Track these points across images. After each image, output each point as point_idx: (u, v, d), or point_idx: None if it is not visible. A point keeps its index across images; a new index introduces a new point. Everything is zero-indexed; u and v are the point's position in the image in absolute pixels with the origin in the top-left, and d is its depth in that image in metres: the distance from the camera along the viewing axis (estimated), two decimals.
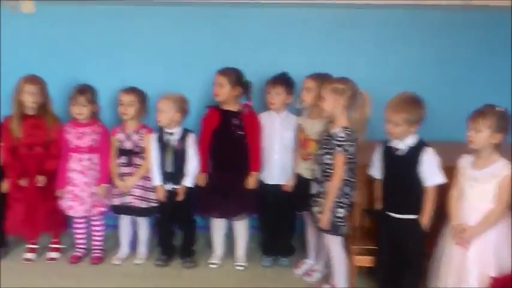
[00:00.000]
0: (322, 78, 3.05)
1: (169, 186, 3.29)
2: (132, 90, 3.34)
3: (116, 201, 3.38)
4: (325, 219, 2.81)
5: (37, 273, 3.32)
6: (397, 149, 2.70)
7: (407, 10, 3.55)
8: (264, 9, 3.59)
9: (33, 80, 3.32)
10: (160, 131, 3.30)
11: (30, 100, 3.28)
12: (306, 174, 3.10)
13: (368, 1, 3.51)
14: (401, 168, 2.69)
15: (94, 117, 3.39)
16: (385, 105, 2.67)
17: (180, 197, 3.26)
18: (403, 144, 2.68)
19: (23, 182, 3.30)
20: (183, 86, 3.49)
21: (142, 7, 3.62)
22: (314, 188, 2.94)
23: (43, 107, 3.36)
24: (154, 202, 3.36)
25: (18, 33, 3.65)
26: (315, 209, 2.91)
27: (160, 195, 3.29)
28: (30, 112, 3.33)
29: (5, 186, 3.36)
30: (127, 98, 3.30)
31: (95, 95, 3.38)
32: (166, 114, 3.21)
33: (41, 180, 3.30)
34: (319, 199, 2.88)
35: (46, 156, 3.34)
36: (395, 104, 2.65)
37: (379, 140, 2.83)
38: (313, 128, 3.06)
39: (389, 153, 2.74)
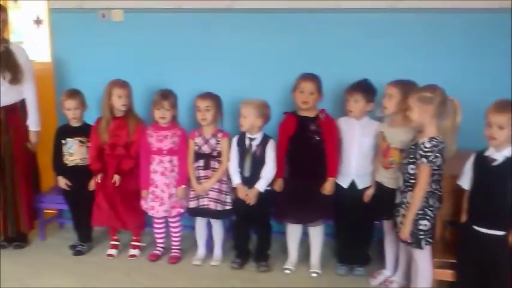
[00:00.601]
0: (404, 85, 2.97)
1: (246, 190, 3.30)
2: (208, 95, 3.39)
3: (192, 204, 3.43)
4: (406, 231, 2.72)
5: (118, 268, 3.44)
6: (492, 159, 2.54)
7: (494, 14, 3.37)
8: (344, 14, 3.53)
9: (122, 84, 3.46)
10: (241, 135, 3.33)
11: (120, 103, 3.42)
12: (387, 183, 3.02)
13: (453, 3, 3.37)
14: (495, 180, 2.53)
15: (173, 121, 3.47)
16: (487, 109, 2.51)
17: (251, 200, 3.27)
18: (500, 154, 2.52)
19: (116, 179, 3.44)
20: (261, 91, 3.50)
21: (221, 14, 3.67)
22: (397, 198, 2.86)
23: (129, 110, 3.50)
24: (228, 205, 3.39)
25: (107, 40, 3.82)
26: (398, 219, 2.82)
27: (242, 194, 3.29)
28: (118, 114, 3.47)
29: (92, 184, 3.53)
30: (203, 104, 3.35)
31: (176, 100, 3.46)
32: (248, 119, 3.23)
33: (117, 179, 3.43)
34: (401, 209, 2.80)
35: (126, 157, 3.47)
36: (501, 105, 2.49)
37: (468, 149, 2.69)
38: (396, 136, 2.97)
39: (483, 164, 2.58)
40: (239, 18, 3.66)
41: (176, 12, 3.70)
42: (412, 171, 2.72)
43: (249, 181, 3.28)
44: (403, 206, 2.78)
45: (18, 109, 3.53)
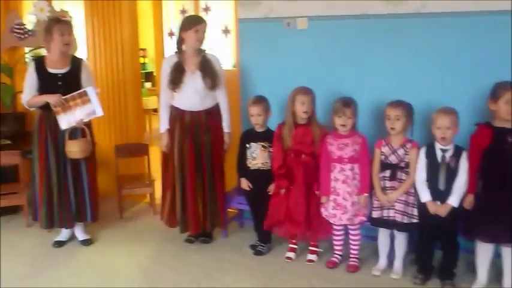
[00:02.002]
0: None
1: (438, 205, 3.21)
2: (399, 103, 3.36)
3: (376, 214, 3.43)
4: None
5: (297, 272, 3.57)
6: None
7: None
8: None
9: (305, 90, 3.58)
10: (430, 146, 3.26)
11: (301, 110, 3.55)
12: None
13: None
14: None
15: (353, 129, 3.51)
16: None
17: (442, 214, 3.18)
18: None
19: (295, 187, 3.58)
20: (447, 99, 3.40)
21: (408, 19, 3.62)
22: None
23: (311, 117, 3.61)
24: (415, 218, 3.33)
25: (291, 47, 3.99)
26: None
27: (433, 210, 3.21)
28: (301, 121, 3.60)
29: (272, 188, 3.71)
30: (394, 112, 3.33)
31: (357, 107, 3.49)
32: (451, 130, 3.15)
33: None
34: None
35: (312, 165, 3.57)
36: None
37: None
38: None
39: None
40: (427, 22, 3.58)
41: (360, 18, 3.74)
42: None
43: (444, 195, 3.19)
44: None
45: (215, 112, 3.85)
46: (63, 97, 3.73)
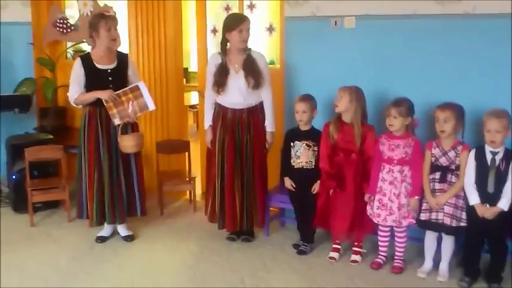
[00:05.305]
0: None
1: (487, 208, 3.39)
2: (448, 106, 3.54)
3: (424, 216, 3.63)
4: None
5: (341, 272, 3.80)
6: None
7: None
8: None
9: (342, 88, 3.80)
10: (479, 149, 3.45)
11: (335, 102, 3.79)
12: None
13: None
14: None
15: (408, 130, 3.70)
16: None
17: (489, 217, 3.36)
18: None
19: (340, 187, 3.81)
20: (503, 101, 3.58)
21: (457, 20, 3.82)
22: None
23: (356, 115, 3.78)
24: (464, 221, 3.53)
25: (338, 46, 4.24)
26: None
27: (481, 213, 3.39)
28: (345, 119, 3.82)
29: (316, 187, 3.95)
30: (443, 115, 3.51)
31: (410, 109, 3.67)
32: (501, 134, 3.33)
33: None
34: None
35: (361, 163, 3.80)
36: None
37: None
38: None
39: None
40: (478, 24, 3.76)
41: (410, 18, 3.94)
42: None
43: (492, 197, 3.37)
44: None
45: (258, 110, 4.10)
46: (115, 92, 4.00)
